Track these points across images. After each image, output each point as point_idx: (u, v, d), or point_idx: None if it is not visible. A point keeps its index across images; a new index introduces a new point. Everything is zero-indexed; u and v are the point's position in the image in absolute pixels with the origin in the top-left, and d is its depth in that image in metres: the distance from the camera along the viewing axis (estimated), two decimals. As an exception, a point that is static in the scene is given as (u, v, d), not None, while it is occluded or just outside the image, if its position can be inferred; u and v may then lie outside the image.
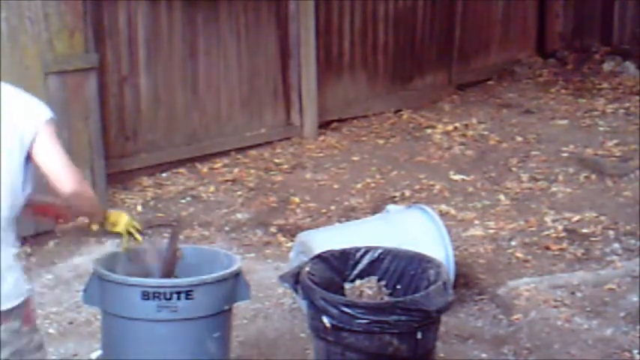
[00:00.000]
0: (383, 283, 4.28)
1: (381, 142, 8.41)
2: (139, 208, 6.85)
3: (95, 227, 3.79)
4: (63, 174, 3.30)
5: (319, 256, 4.30)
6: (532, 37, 10.78)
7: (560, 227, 6.31)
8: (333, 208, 6.89)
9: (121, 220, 3.90)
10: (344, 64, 8.95)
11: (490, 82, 10.13)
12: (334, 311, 3.85)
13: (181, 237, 5.97)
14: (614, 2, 10.74)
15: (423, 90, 9.56)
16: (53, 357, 4.89)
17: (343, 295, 4.16)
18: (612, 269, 5.61)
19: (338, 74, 8.91)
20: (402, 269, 4.29)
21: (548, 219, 6.47)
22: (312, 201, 7.04)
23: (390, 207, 5.67)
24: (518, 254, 5.95)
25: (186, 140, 7.80)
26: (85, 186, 3.43)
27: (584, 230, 6.26)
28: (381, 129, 8.74)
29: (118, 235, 3.93)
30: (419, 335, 3.87)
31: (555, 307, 5.07)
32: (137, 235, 4.01)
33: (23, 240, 6.18)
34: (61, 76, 6.36)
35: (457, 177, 7.44)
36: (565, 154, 7.80)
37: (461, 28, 9.82)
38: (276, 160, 7.93)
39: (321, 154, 8.11)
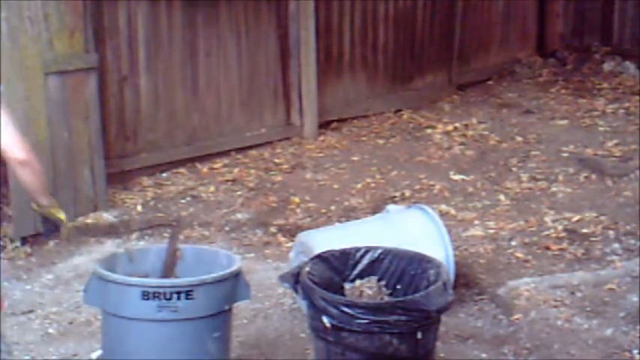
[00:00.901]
0: (383, 283, 4.28)
1: (381, 142, 8.41)
2: (139, 208, 6.85)
3: (36, 207, 3.81)
4: (14, 143, 3.50)
5: (319, 256, 4.30)
6: (532, 37, 10.78)
7: (560, 227, 6.31)
8: (333, 208, 6.89)
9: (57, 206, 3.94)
10: (344, 64, 8.95)
11: (490, 82, 10.13)
12: (334, 311, 3.85)
13: (181, 237, 5.99)
14: (614, 2, 10.74)
15: (423, 90, 9.56)
16: (53, 357, 4.89)
17: (343, 295, 4.16)
18: (612, 269, 5.60)
19: (338, 74, 8.90)
20: (402, 269, 4.30)
21: (548, 219, 6.46)
22: (312, 201, 7.04)
23: (390, 207, 5.67)
24: (518, 254, 5.94)
25: (186, 140, 7.80)
26: (34, 157, 3.58)
27: (584, 230, 6.26)
28: (381, 129, 8.74)
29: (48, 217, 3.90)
30: (419, 335, 3.87)
31: (555, 307, 5.07)
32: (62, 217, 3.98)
33: (23, 240, 6.23)
34: (61, 76, 6.36)
35: (457, 177, 7.44)
36: (565, 154, 7.80)
37: (461, 28, 9.82)
38: (276, 160, 7.93)
39: (321, 154, 8.11)
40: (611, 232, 6.20)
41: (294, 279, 4.08)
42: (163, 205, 6.95)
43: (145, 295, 3.91)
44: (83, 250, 6.23)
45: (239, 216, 6.77)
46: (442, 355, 4.71)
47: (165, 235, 6.11)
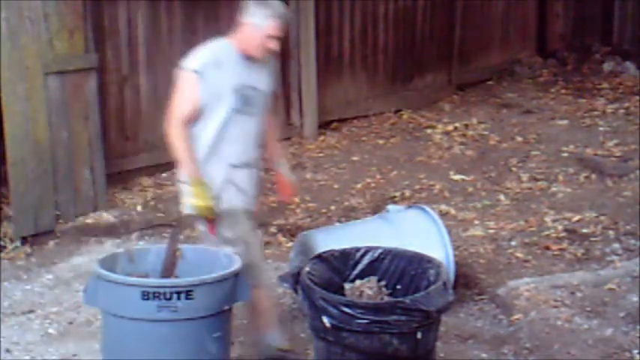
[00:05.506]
0: (383, 283, 4.28)
1: (381, 142, 8.41)
2: (139, 208, 6.85)
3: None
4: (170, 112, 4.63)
5: (319, 256, 4.30)
6: (532, 37, 10.78)
7: (560, 227, 6.31)
8: (333, 208, 6.89)
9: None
10: (344, 64, 8.95)
11: (490, 82, 10.14)
12: (334, 311, 3.85)
13: (181, 237, 5.98)
14: (614, 2, 10.74)
15: (423, 90, 9.56)
16: (53, 357, 4.89)
17: (343, 295, 4.16)
18: (612, 269, 5.61)
19: (338, 74, 8.90)
20: (402, 269, 4.30)
21: (548, 219, 6.47)
22: (312, 201, 7.04)
23: (390, 207, 5.67)
24: (518, 254, 5.94)
25: (187, 140, 7.79)
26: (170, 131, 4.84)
27: (584, 230, 6.26)
28: (381, 129, 8.73)
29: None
30: (419, 335, 3.87)
31: (555, 307, 5.07)
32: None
33: (23, 240, 6.23)
34: (61, 76, 6.36)
35: (457, 177, 7.44)
36: (565, 154, 7.80)
37: (461, 28, 9.82)
38: (276, 160, 7.92)
39: (321, 154, 8.10)
40: (611, 232, 6.20)
41: (294, 279, 4.09)
42: (163, 205, 6.95)
43: (145, 295, 3.91)
44: (83, 250, 6.23)
45: (239, 216, 6.76)
46: (442, 355, 4.71)
47: (165, 235, 6.11)
